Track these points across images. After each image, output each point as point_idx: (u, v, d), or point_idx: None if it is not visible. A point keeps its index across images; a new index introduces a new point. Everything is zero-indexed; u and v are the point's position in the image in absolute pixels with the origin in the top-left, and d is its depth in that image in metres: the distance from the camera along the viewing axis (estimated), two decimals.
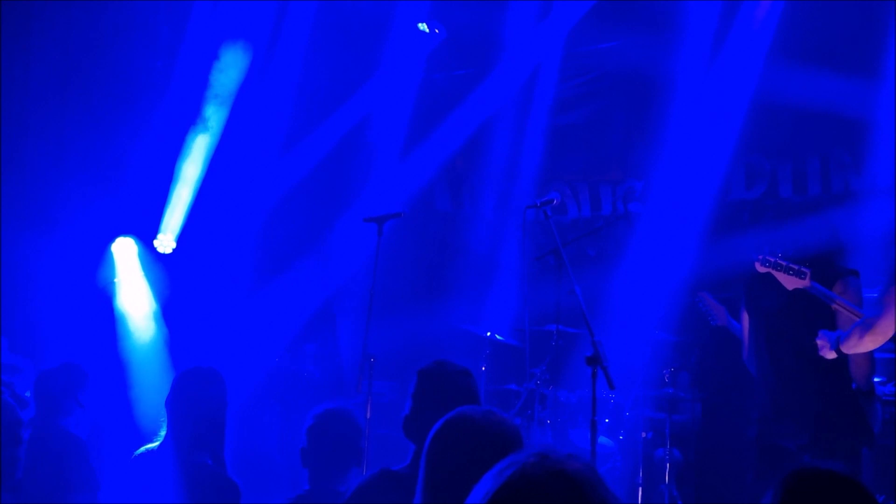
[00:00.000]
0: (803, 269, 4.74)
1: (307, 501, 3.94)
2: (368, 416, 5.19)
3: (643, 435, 7.36)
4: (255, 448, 7.76)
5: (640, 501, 7.20)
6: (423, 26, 8.76)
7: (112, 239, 8.18)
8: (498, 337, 7.76)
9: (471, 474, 1.83)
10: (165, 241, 8.27)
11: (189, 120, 8.37)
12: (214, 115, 8.40)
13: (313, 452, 3.99)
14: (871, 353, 4.83)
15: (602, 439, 7.21)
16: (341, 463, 3.98)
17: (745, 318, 5.30)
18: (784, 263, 4.80)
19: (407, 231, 8.18)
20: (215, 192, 8.50)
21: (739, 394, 5.81)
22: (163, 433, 4.24)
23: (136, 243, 8.26)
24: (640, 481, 7.23)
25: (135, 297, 8.22)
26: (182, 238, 8.36)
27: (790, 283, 4.80)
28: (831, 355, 4.64)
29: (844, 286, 4.90)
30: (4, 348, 6.53)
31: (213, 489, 4.06)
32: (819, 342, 4.69)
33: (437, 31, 8.78)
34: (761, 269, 4.89)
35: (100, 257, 8.14)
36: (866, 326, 4.40)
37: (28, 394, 5.49)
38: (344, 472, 3.99)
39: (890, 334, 4.36)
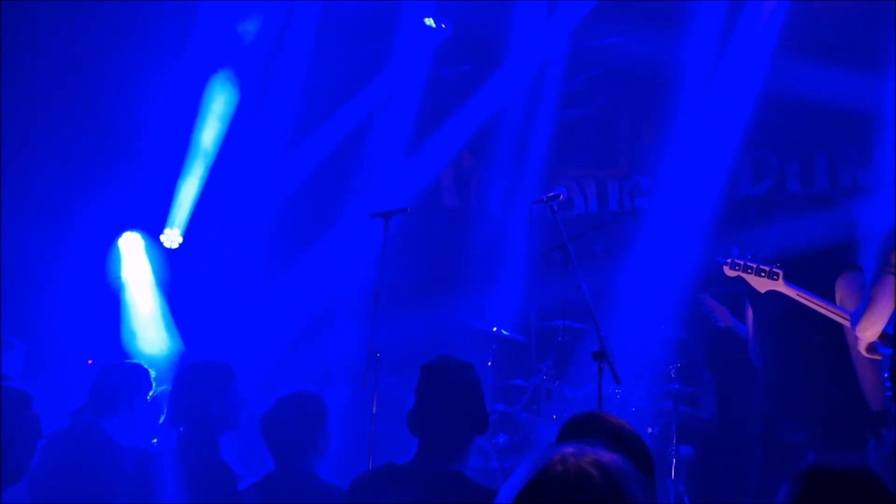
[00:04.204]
0: (775, 270, 4.53)
1: (272, 482, 4.03)
2: (374, 411, 5.21)
3: (649, 430, 7.34)
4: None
5: None
6: (429, 21, 8.75)
7: (119, 234, 8.19)
8: (504, 332, 7.76)
9: None
10: (172, 236, 8.28)
11: (195, 115, 8.38)
12: (221, 111, 8.40)
13: (270, 437, 4.07)
14: (880, 367, 4.56)
15: None
16: (297, 446, 4.05)
17: (750, 313, 5.27)
18: (754, 265, 4.56)
19: (413, 226, 8.19)
20: (222, 186, 8.52)
21: (746, 389, 5.78)
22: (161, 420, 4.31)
23: (143, 238, 8.27)
24: None
25: (141, 292, 8.23)
26: (189, 232, 8.37)
27: (762, 285, 4.57)
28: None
29: (846, 281, 4.82)
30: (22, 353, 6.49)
31: (208, 476, 4.12)
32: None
33: (443, 26, 8.77)
34: (730, 272, 4.63)
35: (106, 252, 8.15)
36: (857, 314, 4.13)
37: None
38: (303, 455, 4.07)
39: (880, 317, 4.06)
